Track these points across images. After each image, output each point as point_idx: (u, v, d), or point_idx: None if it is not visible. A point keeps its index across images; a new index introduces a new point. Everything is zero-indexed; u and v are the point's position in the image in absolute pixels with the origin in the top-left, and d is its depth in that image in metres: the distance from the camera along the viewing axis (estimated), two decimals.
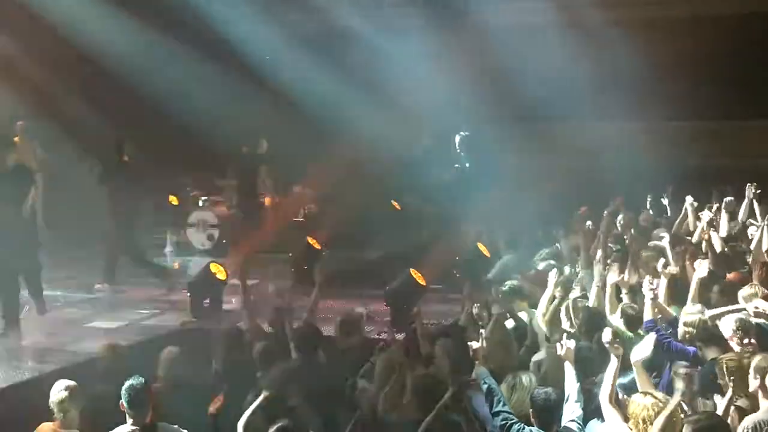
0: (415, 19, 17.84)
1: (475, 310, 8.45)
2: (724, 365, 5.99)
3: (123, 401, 6.09)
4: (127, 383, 6.13)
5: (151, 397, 6.14)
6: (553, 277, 8.38)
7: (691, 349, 6.96)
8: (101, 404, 6.55)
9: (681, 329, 7.19)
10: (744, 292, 7.80)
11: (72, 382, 6.49)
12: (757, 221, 10.45)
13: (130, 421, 6.09)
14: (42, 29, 16.14)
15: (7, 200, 10.26)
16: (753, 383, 5.78)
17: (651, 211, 12.76)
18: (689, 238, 10.72)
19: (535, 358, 7.23)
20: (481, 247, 11.97)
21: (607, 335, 6.08)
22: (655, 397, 5.59)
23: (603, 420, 5.87)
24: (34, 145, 15.19)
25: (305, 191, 17.11)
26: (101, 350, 7.95)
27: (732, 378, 5.78)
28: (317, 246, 13.21)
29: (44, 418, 6.50)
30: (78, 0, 16.00)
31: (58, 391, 6.43)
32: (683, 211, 11.55)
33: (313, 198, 17.10)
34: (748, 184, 11.43)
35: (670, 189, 13.10)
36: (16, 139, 14.99)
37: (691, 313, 7.31)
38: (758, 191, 11.32)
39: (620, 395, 5.94)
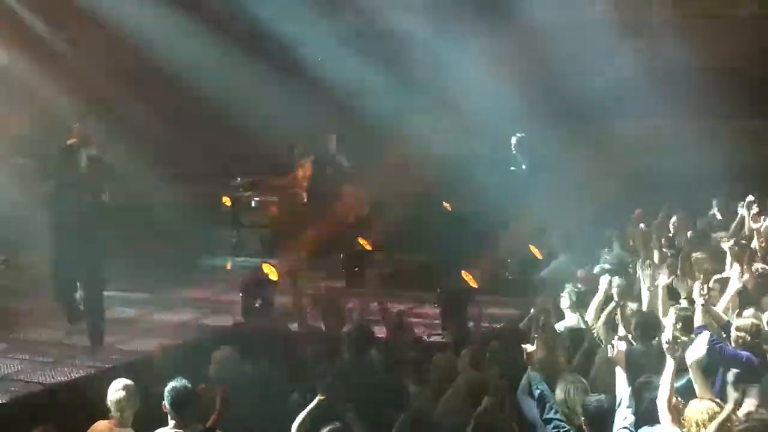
0: (467, 20, 17.77)
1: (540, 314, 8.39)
2: None
3: (165, 402, 6.07)
4: (170, 384, 6.13)
5: (197, 401, 6.12)
6: (604, 281, 8.29)
7: (744, 354, 6.80)
8: (154, 404, 6.58)
9: (733, 334, 7.03)
10: None
11: (130, 382, 6.49)
12: None
13: (171, 423, 6.08)
14: (100, 33, 16.39)
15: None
16: None
17: (717, 214, 12.52)
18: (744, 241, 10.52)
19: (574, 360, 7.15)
20: (534, 249, 11.89)
21: (666, 337, 5.99)
22: (713, 401, 5.51)
23: (653, 425, 5.78)
24: (89, 148, 15.35)
25: (356, 192, 17.10)
26: (154, 350, 8.01)
27: None
28: (368, 247, 13.18)
29: (99, 415, 6.55)
30: (135, 3, 16.18)
31: (116, 390, 6.42)
32: (739, 214, 11.31)
33: (365, 199, 17.09)
34: None
35: (724, 192, 12.89)
36: (73, 140, 15.23)
37: (744, 317, 7.20)
38: None
39: (676, 399, 5.85)
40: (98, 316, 10.38)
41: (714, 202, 12.73)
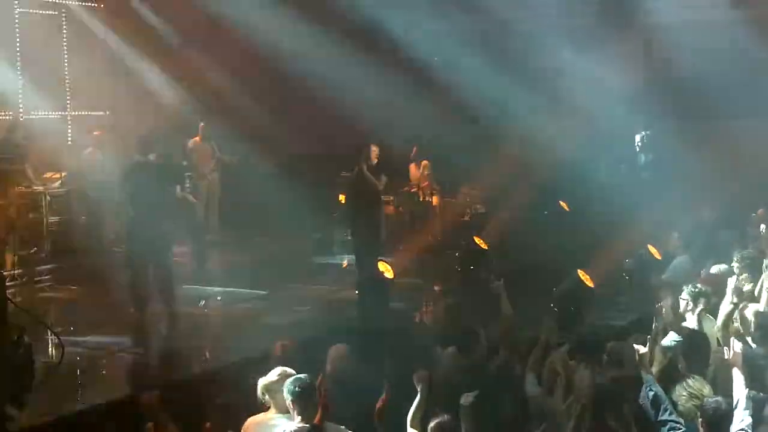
0: (586, 18, 17.58)
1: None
2: None
3: (289, 396, 6.18)
4: (293, 378, 6.21)
5: (318, 395, 6.22)
6: (731, 282, 8.09)
7: None
8: None
9: None
10: None
11: (289, 370, 6.56)
12: None
13: (297, 418, 6.14)
14: (224, 37, 16.81)
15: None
16: None
17: None
18: None
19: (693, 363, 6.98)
20: (652, 249, 11.67)
21: (733, 345, 5.82)
22: None
23: None
24: (213, 146, 15.76)
25: (473, 191, 17.09)
26: (273, 348, 8.13)
27: None
28: (484, 246, 13.16)
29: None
30: (256, 5, 16.51)
31: (271, 376, 6.53)
32: None
33: (481, 198, 17.06)
34: None
35: None
36: (197, 138, 15.66)
37: None
38: None
39: None
40: (169, 298, 10.94)
41: None
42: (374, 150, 12.80)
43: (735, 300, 7.75)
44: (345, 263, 14.50)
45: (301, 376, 6.25)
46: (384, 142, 13.29)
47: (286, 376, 6.44)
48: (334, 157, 16.36)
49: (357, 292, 11.38)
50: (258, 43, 16.70)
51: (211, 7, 16.60)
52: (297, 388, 6.15)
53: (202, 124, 15.74)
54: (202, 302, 11.76)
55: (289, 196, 15.03)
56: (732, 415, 5.79)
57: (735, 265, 9.24)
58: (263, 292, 12.51)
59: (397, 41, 17.15)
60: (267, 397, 6.50)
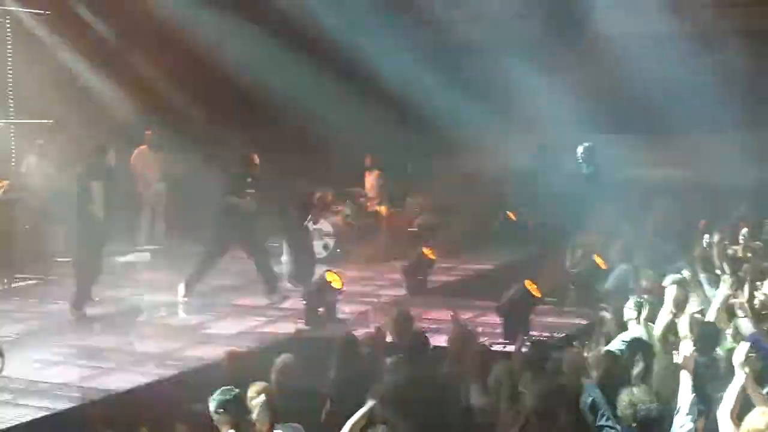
0: (533, 31, 17.75)
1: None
2: None
3: (215, 409, 6.08)
4: (220, 390, 6.16)
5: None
6: (671, 292, 8.20)
7: None
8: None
9: None
10: None
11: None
12: None
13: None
14: (171, 45, 16.70)
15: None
16: None
17: None
18: None
19: (635, 369, 7.07)
20: (598, 259, 11.79)
21: (739, 354, 5.88)
22: None
23: None
24: (160, 154, 15.64)
25: (421, 202, 17.16)
26: (221, 357, 8.08)
27: None
28: (432, 257, 13.20)
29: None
30: (203, 12, 16.44)
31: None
32: None
33: (429, 209, 17.13)
34: None
35: None
36: (143, 147, 15.52)
37: None
38: None
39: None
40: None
41: None
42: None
43: (674, 309, 7.86)
44: None
45: (228, 388, 6.20)
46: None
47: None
48: (284, 165, 16.34)
49: (304, 301, 11.33)
50: (206, 51, 16.65)
51: (159, 14, 16.48)
52: (224, 401, 6.10)
53: (148, 132, 15.62)
54: (144, 313, 11.68)
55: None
56: (665, 421, 5.87)
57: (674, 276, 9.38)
58: (208, 301, 12.43)
59: (348, 51, 17.17)
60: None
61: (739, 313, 7.54)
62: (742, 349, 5.91)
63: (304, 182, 16.76)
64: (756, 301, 7.85)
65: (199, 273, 12.33)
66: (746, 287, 8.51)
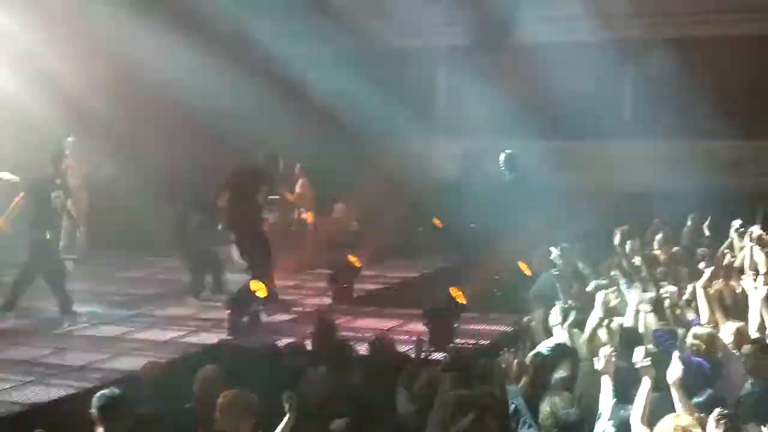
0: (458, 38, 17.85)
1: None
2: None
3: (94, 411, 5.93)
4: (100, 392, 6.03)
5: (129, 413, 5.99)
6: (600, 298, 8.27)
7: (697, 360, 6.99)
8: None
9: (689, 341, 7.27)
10: None
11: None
12: None
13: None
14: (89, 49, 16.41)
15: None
16: None
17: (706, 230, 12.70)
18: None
19: (559, 375, 7.11)
20: (523, 265, 11.86)
21: (637, 355, 5.98)
22: (690, 416, 5.48)
23: None
24: (82, 161, 15.33)
25: (347, 209, 17.11)
26: (142, 368, 7.93)
27: None
28: (357, 264, 13.16)
29: None
30: (123, 21, 16.20)
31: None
32: (729, 236, 11.40)
33: (354, 216, 17.10)
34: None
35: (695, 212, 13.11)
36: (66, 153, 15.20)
37: (703, 326, 7.40)
38: None
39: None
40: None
41: (689, 219, 13.12)
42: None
43: (602, 314, 7.93)
44: None
45: (107, 390, 6.08)
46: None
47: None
48: (205, 172, 16.17)
49: (228, 311, 11.18)
50: (126, 56, 16.39)
51: (78, 18, 16.18)
52: (103, 403, 5.96)
53: (70, 138, 15.32)
54: (66, 324, 11.42)
55: (159, 212, 14.69)
56: (584, 426, 5.91)
57: (599, 282, 9.49)
58: (130, 312, 12.22)
59: (272, 59, 17.07)
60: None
61: (645, 308, 7.68)
62: (639, 353, 5.98)
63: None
64: (667, 302, 7.97)
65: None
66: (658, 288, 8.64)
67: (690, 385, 6.12)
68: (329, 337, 8.78)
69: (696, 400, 6.18)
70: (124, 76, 16.70)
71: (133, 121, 16.87)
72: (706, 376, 6.77)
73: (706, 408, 5.77)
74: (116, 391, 6.07)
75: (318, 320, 9.24)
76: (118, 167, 15.78)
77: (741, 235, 10.96)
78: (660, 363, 6.09)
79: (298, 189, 16.80)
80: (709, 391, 6.50)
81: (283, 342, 9.34)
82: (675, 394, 5.94)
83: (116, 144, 16.22)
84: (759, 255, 9.82)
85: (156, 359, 8.68)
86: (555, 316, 8.49)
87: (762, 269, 9.59)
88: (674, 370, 5.95)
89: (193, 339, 11.01)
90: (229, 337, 10.86)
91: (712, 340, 7.16)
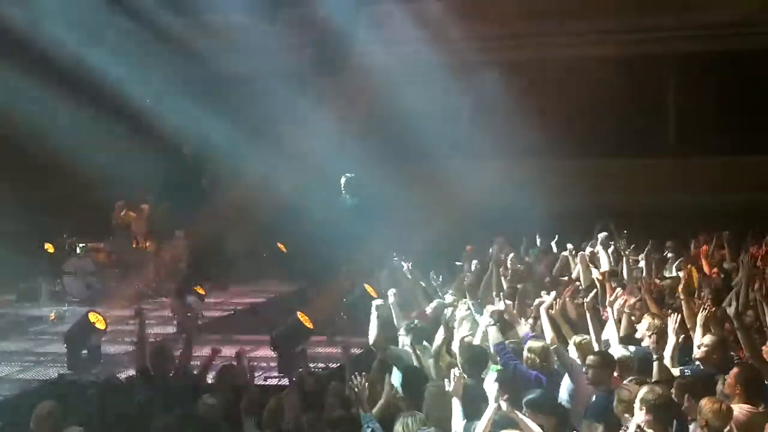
0: (301, 64, 17.83)
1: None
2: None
3: None
4: None
5: None
6: (443, 317, 8.31)
7: (533, 373, 7.18)
8: None
9: (525, 354, 7.38)
10: None
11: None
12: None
13: None
14: None
15: None
16: (639, 415, 5.77)
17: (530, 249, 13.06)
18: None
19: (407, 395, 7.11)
20: (369, 288, 11.84)
21: (490, 389, 6.02)
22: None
23: None
24: None
25: (188, 237, 16.76)
26: None
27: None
28: (202, 291, 12.93)
29: None
30: None
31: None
32: (562, 257, 11.79)
33: (198, 243, 16.77)
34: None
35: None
36: None
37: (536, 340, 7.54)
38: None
39: None
40: None
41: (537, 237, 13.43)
42: None
43: (445, 334, 7.97)
44: (53, 315, 13.69)
45: None
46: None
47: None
48: (42, 204, 15.65)
49: (65, 344, 10.74)
50: None
51: None
52: None
53: None
54: None
55: None
56: None
57: (437, 302, 9.56)
58: None
59: (114, 89, 16.65)
60: None
61: (489, 322, 7.78)
62: (491, 387, 6.03)
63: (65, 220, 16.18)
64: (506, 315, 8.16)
65: None
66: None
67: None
68: (169, 368, 8.51)
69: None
70: None
71: None
72: (544, 388, 6.89)
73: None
74: None
75: (156, 350, 8.92)
76: None
77: (573, 256, 11.36)
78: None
79: (139, 217, 16.41)
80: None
81: (124, 375, 9.03)
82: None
83: None
84: (586, 273, 10.23)
85: None
86: (402, 336, 8.48)
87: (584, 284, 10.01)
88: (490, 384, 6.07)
89: (30, 374, 10.57)
90: (68, 372, 10.42)
91: (545, 353, 7.29)
